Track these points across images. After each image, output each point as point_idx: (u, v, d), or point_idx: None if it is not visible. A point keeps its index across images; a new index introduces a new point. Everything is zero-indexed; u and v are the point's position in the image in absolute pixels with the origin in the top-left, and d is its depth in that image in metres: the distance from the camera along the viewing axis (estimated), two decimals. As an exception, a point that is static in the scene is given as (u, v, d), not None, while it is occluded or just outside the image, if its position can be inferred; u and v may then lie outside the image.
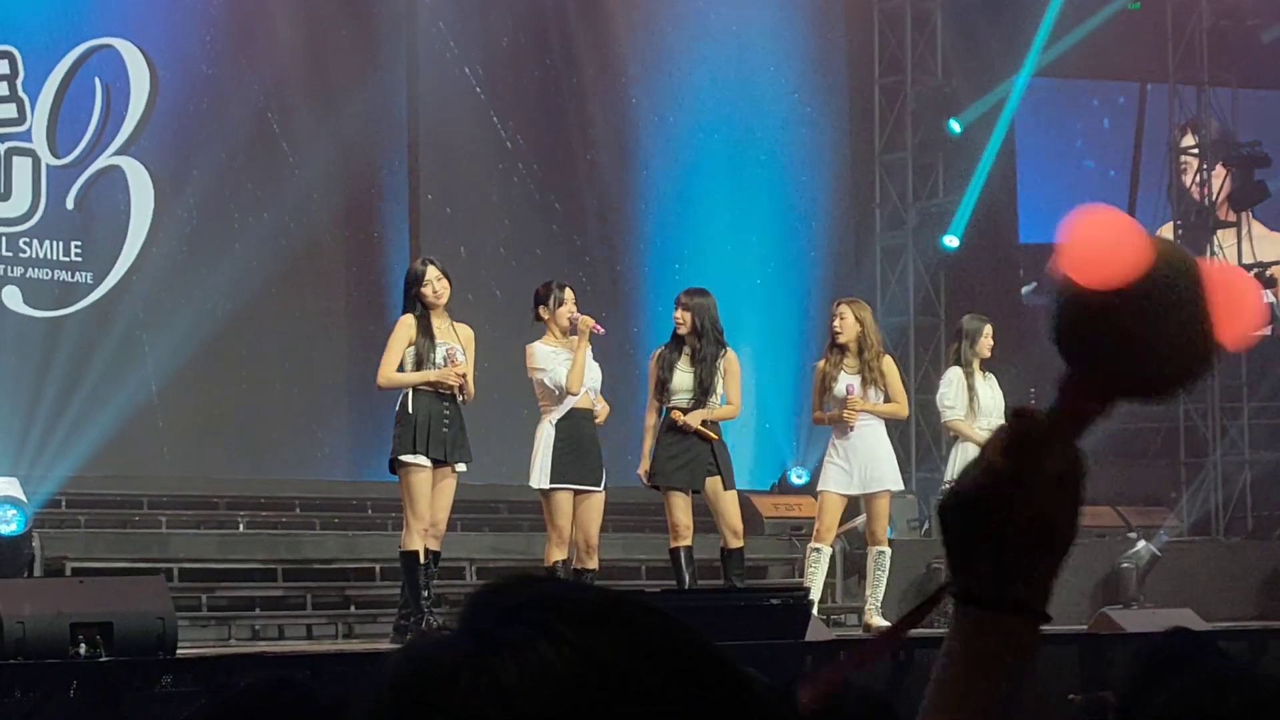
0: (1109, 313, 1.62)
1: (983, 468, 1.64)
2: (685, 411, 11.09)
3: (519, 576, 1.37)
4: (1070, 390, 1.68)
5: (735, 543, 11.19)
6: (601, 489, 11.01)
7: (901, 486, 11.72)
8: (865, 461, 11.44)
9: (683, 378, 11.14)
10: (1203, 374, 1.66)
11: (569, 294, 11.04)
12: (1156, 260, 1.62)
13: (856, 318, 11.52)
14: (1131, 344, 1.63)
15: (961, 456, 12.47)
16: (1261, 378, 18.98)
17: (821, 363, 11.63)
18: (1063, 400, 1.68)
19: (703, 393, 11.10)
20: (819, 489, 11.83)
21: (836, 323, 11.52)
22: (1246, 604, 15.59)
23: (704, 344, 11.14)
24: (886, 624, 11.78)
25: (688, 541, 11.12)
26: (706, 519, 11.43)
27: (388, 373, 10.61)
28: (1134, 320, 1.62)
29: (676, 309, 11.26)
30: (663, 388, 11.15)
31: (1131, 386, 1.67)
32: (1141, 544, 15.56)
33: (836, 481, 11.52)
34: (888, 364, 11.59)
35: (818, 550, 11.56)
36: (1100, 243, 1.64)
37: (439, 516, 10.63)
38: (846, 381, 11.41)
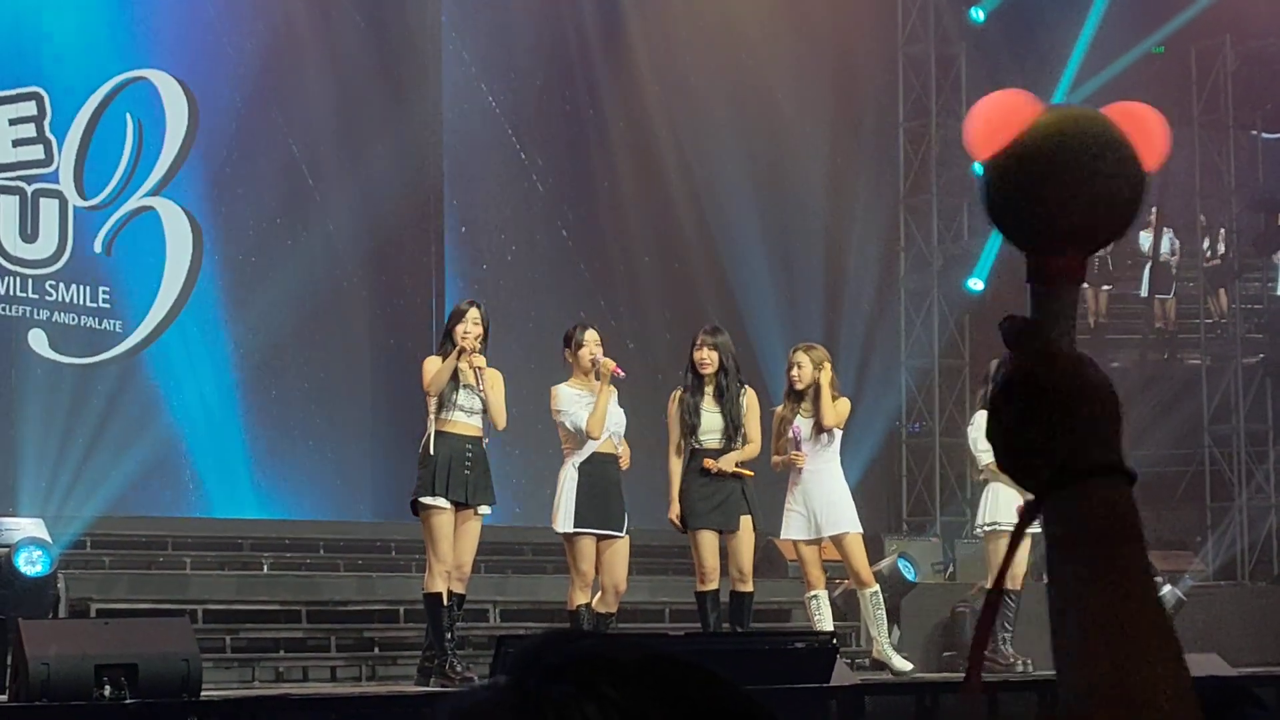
0: (1017, 167, 1.66)
1: (1002, 375, 1.66)
2: (716, 454, 11.03)
3: (562, 632, 1.37)
4: (1032, 271, 1.72)
5: (744, 586, 11.12)
6: (624, 534, 10.94)
7: (859, 529, 11.59)
8: (821, 505, 11.37)
9: (711, 418, 11.08)
10: (1134, 202, 1.67)
11: (590, 334, 10.96)
12: (1050, 114, 1.66)
13: (815, 364, 11.48)
14: (1047, 188, 1.65)
15: (992, 499, 12.42)
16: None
17: (780, 408, 11.61)
18: (1032, 284, 1.72)
19: (732, 431, 11.07)
20: (782, 537, 11.80)
21: (794, 371, 11.47)
22: (1273, 649, 15.51)
23: (728, 381, 11.12)
24: (908, 665, 11.72)
25: (715, 585, 11.06)
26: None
27: (428, 379, 10.58)
28: (1043, 164, 1.65)
29: (701, 349, 11.14)
30: (691, 431, 11.08)
31: (1068, 232, 1.69)
32: (1167, 588, 15.49)
33: (796, 528, 11.49)
34: (842, 404, 11.54)
35: (815, 597, 11.52)
36: (994, 115, 1.68)
37: (463, 559, 10.60)
38: (795, 426, 11.41)
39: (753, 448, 11.18)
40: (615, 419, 10.93)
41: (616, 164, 17.61)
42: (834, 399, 11.41)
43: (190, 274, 15.25)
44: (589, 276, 17.31)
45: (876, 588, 11.63)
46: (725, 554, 11.22)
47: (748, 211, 17.91)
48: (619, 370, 10.84)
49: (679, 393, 11.20)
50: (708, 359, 11.08)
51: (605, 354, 10.93)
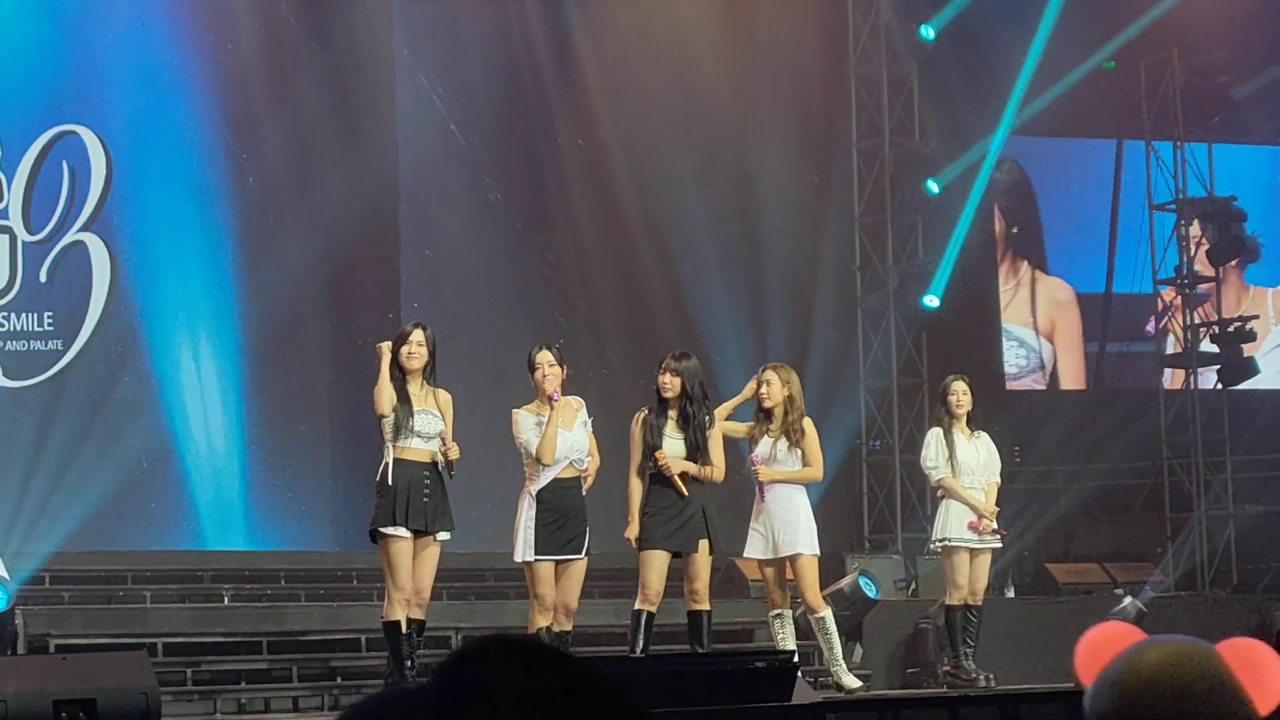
0: (1114, 696, 1.66)
1: None
2: (665, 471, 10.94)
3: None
4: None
5: (701, 605, 11.05)
6: (583, 555, 10.86)
7: (815, 551, 11.55)
8: (780, 525, 11.38)
9: (673, 443, 11.01)
10: None
11: (542, 356, 10.84)
12: (1156, 648, 1.66)
13: (783, 382, 11.48)
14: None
15: (944, 515, 12.44)
16: (1243, 432, 19.02)
17: (752, 427, 11.60)
18: None
19: (694, 456, 11.02)
20: (744, 556, 11.83)
21: (763, 389, 11.48)
22: (1234, 659, 15.56)
23: (694, 408, 11.05)
24: (858, 683, 11.71)
25: (654, 608, 11.00)
26: (673, 583, 11.31)
27: (377, 404, 10.55)
28: (1141, 697, 1.64)
29: (664, 373, 11.09)
30: (652, 452, 11.03)
31: None
32: (1128, 600, 15.56)
33: (756, 547, 11.51)
34: (807, 425, 11.54)
35: (778, 615, 11.52)
36: (1096, 643, 1.68)
37: (423, 585, 10.55)
38: (759, 448, 11.41)
39: (714, 471, 11.10)
40: (574, 444, 10.82)
41: (573, 186, 17.62)
42: (801, 418, 11.43)
43: (109, 298, 15.77)
44: (547, 298, 17.30)
45: (824, 614, 11.54)
46: (680, 576, 11.16)
47: (704, 232, 17.92)
48: (555, 393, 10.72)
49: (642, 414, 11.15)
50: (669, 384, 11.03)
51: (563, 373, 10.85)
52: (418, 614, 10.54)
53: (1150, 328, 19.95)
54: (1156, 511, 18.86)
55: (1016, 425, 17.98)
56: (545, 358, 10.82)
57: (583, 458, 10.85)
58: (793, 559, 11.38)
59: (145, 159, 16.01)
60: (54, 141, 15.71)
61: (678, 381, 11.01)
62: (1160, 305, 19.57)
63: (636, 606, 10.99)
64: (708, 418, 11.07)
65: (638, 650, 10.88)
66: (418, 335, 10.60)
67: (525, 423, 10.81)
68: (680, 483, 10.91)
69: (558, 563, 10.75)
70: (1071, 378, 20.14)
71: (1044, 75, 18.56)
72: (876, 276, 18.60)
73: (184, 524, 15.55)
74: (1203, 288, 19.33)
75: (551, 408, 10.70)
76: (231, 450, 15.87)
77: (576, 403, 10.93)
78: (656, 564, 10.93)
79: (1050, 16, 18.39)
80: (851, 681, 11.55)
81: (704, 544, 10.97)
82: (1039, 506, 18.35)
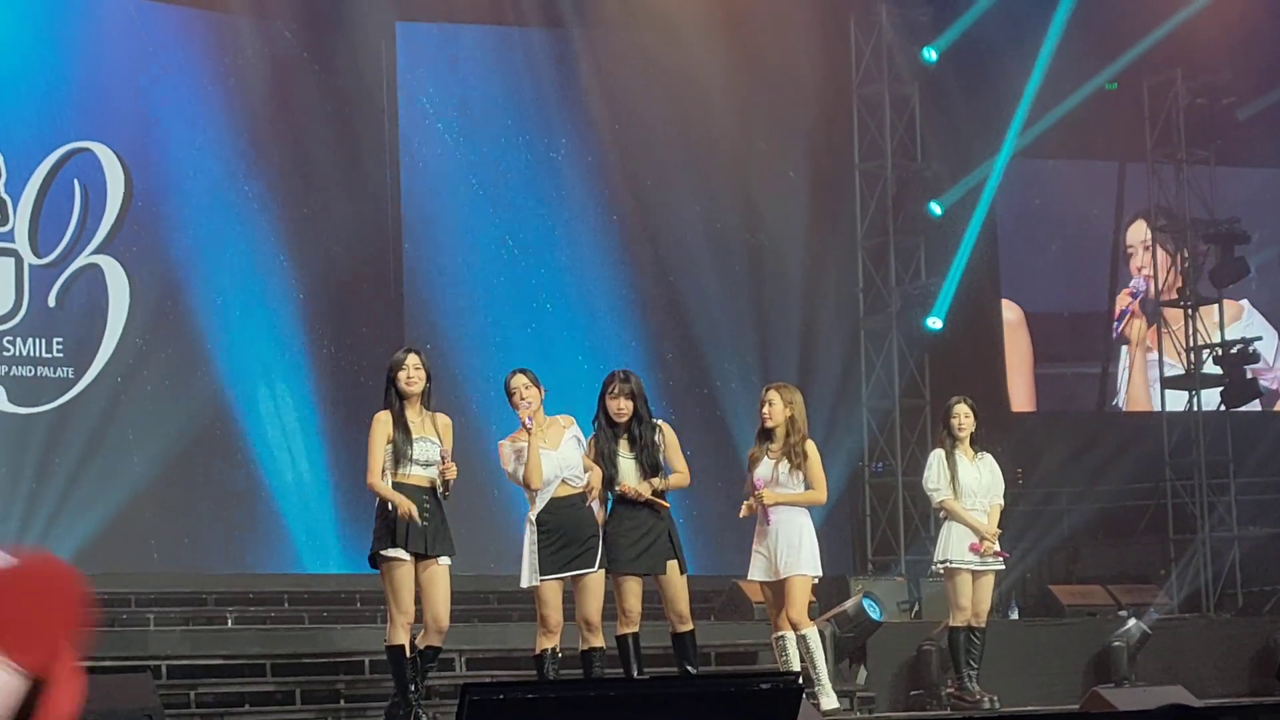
0: None
1: None
2: (636, 499, 10.83)
3: None
4: None
5: (685, 626, 11.00)
6: (596, 569, 10.75)
7: (818, 572, 11.50)
8: (783, 548, 11.32)
9: (626, 464, 10.89)
10: None
11: (517, 380, 10.68)
12: None
13: (786, 402, 11.43)
14: None
15: (948, 536, 12.43)
16: (1247, 454, 19.00)
17: (754, 449, 11.55)
18: None
19: (649, 474, 10.90)
20: (747, 578, 11.77)
21: (765, 409, 11.43)
22: (1237, 680, 15.54)
23: (642, 429, 10.98)
24: (836, 704, 11.63)
25: (637, 628, 10.94)
26: (651, 605, 11.24)
27: (374, 479, 10.46)
28: None
29: (619, 398, 10.87)
30: (610, 481, 10.93)
31: None
32: (1132, 622, 15.53)
33: (759, 569, 11.45)
34: (809, 448, 11.47)
35: (782, 637, 11.46)
36: None
37: (439, 612, 10.42)
38: (759, 470, 11.35)
39: (681, 478, 11.02)
40: (563, 463, 10.72)
41: (575, 208, 17.63)
42: (803, 440, 11.37)
43: (129, 323, 15.64)
44: (548, 320, 17.31)
45: (808, 631, 11.44)
46: (653, 597, 11.09)
47: (706, 254, 17.94)
48: (528, 419, 10.62)
49: (592, 441, 10.99)
50: (624, 408, 10.88)
51: (542, 393, 10.71)
52: (435, 640, 10.46)
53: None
54: (1160, 533, 18.84)
55: (1019, 447, 17.97)
56: (519, 381, 10.67)
57: (577, 474, 10.74)
58: (789, 579, 11.33)
59: (153, 180, 15.94)
60: (64, 160, 15.54)
61: (630, 405, 10.89)
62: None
63: (621, 632, 10.90)
64: (654, 432, 10.95)
65: (634, 673, 10.82)
66: (413, 360, 10.51)
67: (506, 453, 10.70)
68: (657, 500, 10.83)
69: (571, 579, 10.66)
70: (1021, 399, 20.04)
71: (1047, 97, 18.58)
72: (879, 298, 18.61)
73: (186, 547, 15.54)
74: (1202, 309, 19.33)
75: (529, 432, 10.59)
76: (235, 474, 15.87)
77: (565, 420, 10.81)
78: (631, 587, 10.85)
79: (1053, 38, 18.42)
80: (829, 703, 11.43)
81: (673, 565, 10.85)
82: (1042, 528, 18.33)
